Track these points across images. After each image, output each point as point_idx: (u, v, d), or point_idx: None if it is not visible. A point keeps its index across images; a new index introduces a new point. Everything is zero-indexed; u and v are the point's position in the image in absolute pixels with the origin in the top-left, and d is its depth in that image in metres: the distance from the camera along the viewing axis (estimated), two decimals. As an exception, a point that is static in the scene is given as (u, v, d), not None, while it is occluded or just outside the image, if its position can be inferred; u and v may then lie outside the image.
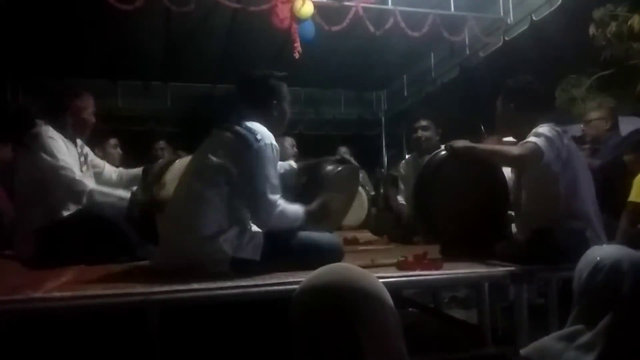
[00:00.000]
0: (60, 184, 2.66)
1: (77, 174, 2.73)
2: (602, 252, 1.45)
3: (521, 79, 2.60)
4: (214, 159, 2.10)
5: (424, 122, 3.78)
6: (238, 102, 2.25)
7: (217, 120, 2.29)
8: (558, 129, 2.42)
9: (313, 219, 2.28)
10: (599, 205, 2.50)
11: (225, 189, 2.09)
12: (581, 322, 1.42)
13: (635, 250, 1.46)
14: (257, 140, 2.08)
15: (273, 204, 2.10)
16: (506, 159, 2.52)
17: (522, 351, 1.52)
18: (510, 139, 2.80)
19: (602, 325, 1.33)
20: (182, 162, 2.79)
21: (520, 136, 2.49)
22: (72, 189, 2.64)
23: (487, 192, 2.62)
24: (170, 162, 2.84)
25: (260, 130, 2.13)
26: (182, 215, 2.14)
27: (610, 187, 3.10)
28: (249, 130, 2.12)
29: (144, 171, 3.04)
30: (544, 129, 2.36)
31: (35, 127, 2.78)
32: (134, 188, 2.91)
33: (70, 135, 2.90)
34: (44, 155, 2.65)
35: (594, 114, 4.02)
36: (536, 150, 2.29)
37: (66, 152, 2.75)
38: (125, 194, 2.78)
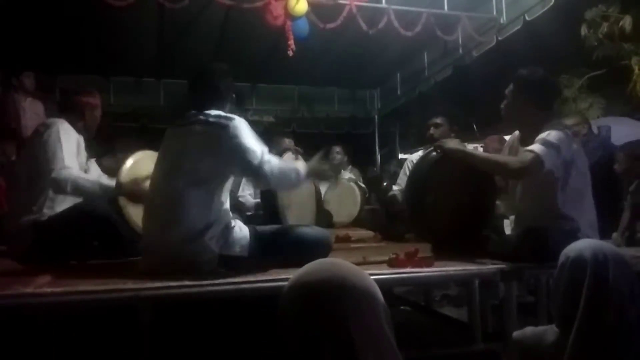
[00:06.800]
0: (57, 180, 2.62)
1: (75, 171, 2.67)
2: (571, 246, 1.46)
3: (536, 71, 2.50)
4: (191, 154, 2.10)
5: (437, 120, 3.76)
6: (194, 96, 2.31)
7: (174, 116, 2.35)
8: (568, 132, 2.39)
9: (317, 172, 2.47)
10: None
11: (208, 184, 2.09)
12: (555, 321, 1.45)
13: (601, 242, 1.48)
14: (230, 120, 2.13)
15: (267, 163, 2.12)
16: (504, 170, 2.47)
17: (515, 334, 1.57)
18: (510, 136, 2.78)
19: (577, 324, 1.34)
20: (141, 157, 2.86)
21: (527, 129, 2.46)
22: (60, 182, 2.59)
23: (477, 190, 2.64)
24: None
25: (225, 113, 2.20)
26: (165, 216, 2.11)
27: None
28: (216, 116, 2.16)
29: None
30: (552, 135, 2.29)
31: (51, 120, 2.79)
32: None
33: (82, 133, 2.90)
34: (51, 146, 2.62)
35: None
36: (536, 162, 2.24)
37: (74, 151, 2.73)
38: (109, 182, 2.76)
